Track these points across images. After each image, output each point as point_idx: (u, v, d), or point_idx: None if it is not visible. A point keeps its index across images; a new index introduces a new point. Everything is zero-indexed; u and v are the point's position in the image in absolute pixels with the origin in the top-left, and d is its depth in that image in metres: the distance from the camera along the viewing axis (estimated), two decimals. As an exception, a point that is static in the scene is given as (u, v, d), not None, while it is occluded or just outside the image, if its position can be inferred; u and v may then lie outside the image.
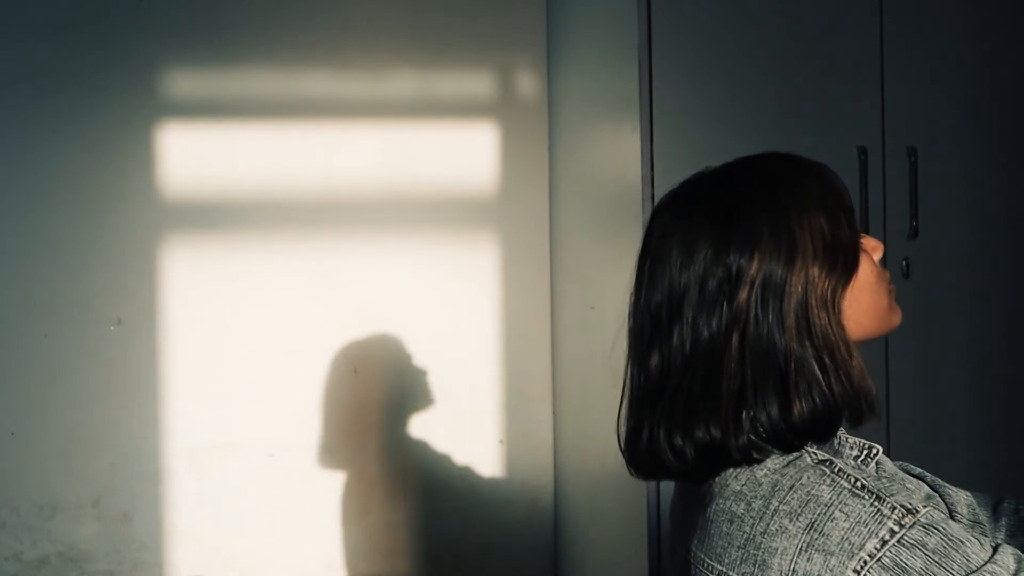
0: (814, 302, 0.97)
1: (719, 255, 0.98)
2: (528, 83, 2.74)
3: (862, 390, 0.99)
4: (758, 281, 0.97)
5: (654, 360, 1.01)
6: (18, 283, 2.49)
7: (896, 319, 1.06)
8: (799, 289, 0.97)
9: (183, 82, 2.58)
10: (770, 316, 0.97)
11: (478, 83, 2.72)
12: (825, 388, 0.97)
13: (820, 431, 0.98)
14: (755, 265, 0.97)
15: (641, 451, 1.02)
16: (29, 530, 2.50)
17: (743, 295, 0.97)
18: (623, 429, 1.06)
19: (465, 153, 2.70)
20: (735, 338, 0.97)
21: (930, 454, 2.15)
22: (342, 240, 2.64)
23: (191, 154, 2.56)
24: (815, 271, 0.98)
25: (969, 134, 2.25)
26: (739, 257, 0.97)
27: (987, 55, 2.26)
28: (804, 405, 0.96)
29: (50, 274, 2.50)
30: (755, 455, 0.97)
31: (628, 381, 1.05)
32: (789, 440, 0.97)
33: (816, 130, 2.11)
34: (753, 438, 0.96)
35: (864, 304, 1.02)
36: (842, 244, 1.00)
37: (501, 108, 2.72)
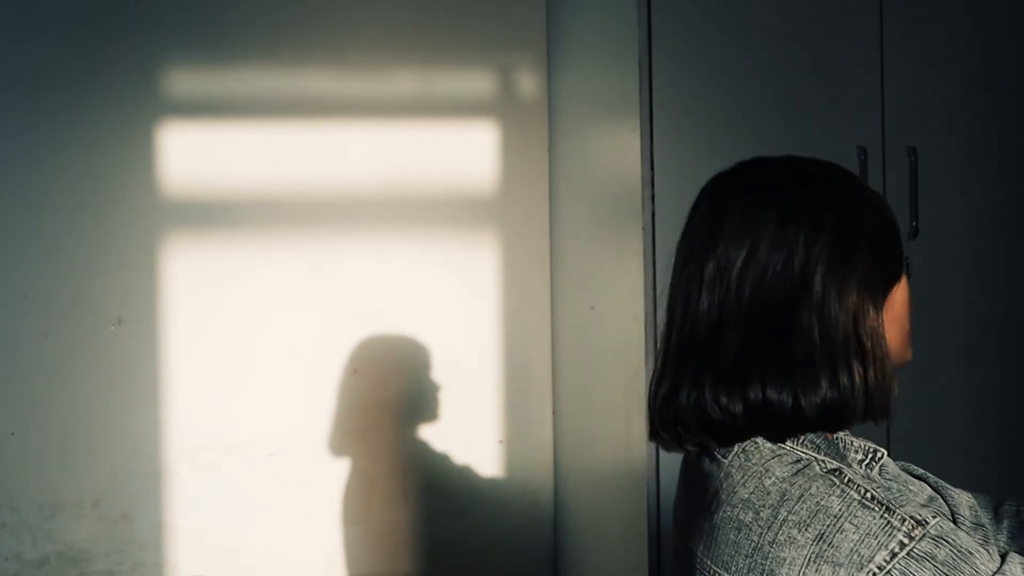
0: (866, 296, 0.99)
1: (786, 230, 0.98)
2: (528, 83, 2.74)
3: (890, 390, 1.00)
4: (823, 260, 0.98)
5: (703, 306, 1.00)
6: (18, 283, 2.49)
7: (908, 356, 1.07)
8: (854, 281, 0.99)
9: (183, 81, 2.58)
10: (833, 294, 0.98)
11: (478, 83, 2.72)
12: (860, 377, 0.97)
13: (840, 418, 0.98)
14: (819, 245, 0.98)
15: (681, 411, 1.01)
16: (29, 530, 2.50)
17: (810, 269, 0.98)
18: (660, 391, 1.04)
19: (465, 153, 2.70)
20: (806, 309, 0.97)
21: (930, 454, 2.14)
22: (342, 239, 2.64)
23: (191, 154, 2.56)
24: (867, 268, 0.99)
25: (969, 134, 2.25)
26: (805, 233, 0.98)
27: (987, 55, 2.26)
28: (840, 387, 0.97)
29: (50, 274, 2.50)
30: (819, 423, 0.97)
31: (672, 336, 1.04)
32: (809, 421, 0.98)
33: (816, 130, 2.11)
34: (831, 396, 0.97)
35: (891, 332, 1.03)
36: (892, 250, 1.02)
37: (501, 108, 2.72)
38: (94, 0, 2.51)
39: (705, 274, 1.00)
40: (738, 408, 0.98)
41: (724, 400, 0.98)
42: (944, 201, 2.22)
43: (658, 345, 1.07)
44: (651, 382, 1.06)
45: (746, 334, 0.98)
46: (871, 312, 0.99)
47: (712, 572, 0.98)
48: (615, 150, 2.20)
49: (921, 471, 1.16)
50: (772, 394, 0.96)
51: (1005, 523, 1.17)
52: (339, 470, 2.64)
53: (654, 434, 1.06)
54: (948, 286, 2.23)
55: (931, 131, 2.21)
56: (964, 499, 1.16)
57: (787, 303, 0.97)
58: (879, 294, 1.00)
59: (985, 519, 1.17)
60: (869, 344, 0.98)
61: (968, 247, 2.26)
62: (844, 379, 0.97)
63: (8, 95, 2.48)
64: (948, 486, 1.16)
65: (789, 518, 0.93)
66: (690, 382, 1.00)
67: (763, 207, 1.00)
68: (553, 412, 2.75)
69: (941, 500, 1.13)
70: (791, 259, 0.98)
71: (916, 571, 0.89)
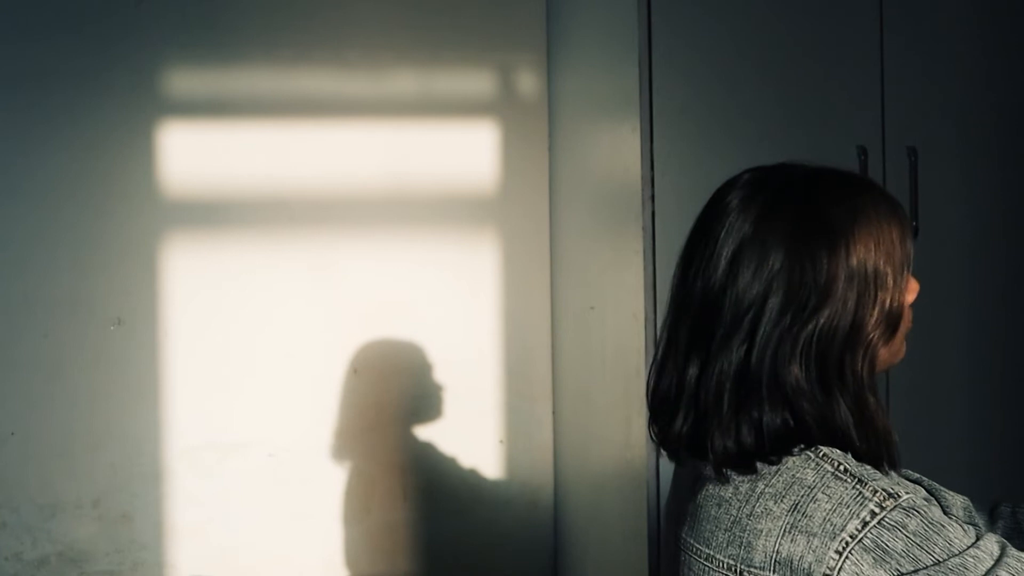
0: (856, 348, 0.99)
1: (800, 283, 0.97)
2: (528, 83, 2.74)
3: (887, 439, 1.00)
4: (826, 319, 0.97)
5: (694, 367, 1.00)
6: (18, 283, 2.49)
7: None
8: (844, 330, 0.98)
9: (183, 81, 2.58)
10: (850, 358, 0.99)
11: (478, 82, 2.72)
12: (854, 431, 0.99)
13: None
14: (827, 306, 0.97)
15: (683, 444, 1.02)
16: (29, 530, 2.50)
17: (813, 324, 0.97)
18: (660, 416, 1.04)
19: (465, 152, 2.70)
20: (800, 358, 0.97)
21: (930, 454, 2.14)
22: (342, 239, 2.64)
23: (191, 153, 2.56)
24: (872, 323, 0.99)
25: (969, 134, 2.25)
26: (815, 297, 0.97)
27: (987, 55, 2.26)
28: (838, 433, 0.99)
29: (50, 274, 2.50)
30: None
31: (678, 380, 1.03)
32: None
33: (816, 130, 2.12)
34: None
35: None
36: (895, 309, 1.01)
37: (501, 107, 2.72)
38: (94, 0, 2.51)
39: (711, 324, 0.99)
40: (742, 443, 0.98)
41: (727, 443, 0.98)
42: (944, 201, 2.22)
43: (655, 352, 1.07)
44: (649, 393, 1.06)
45: (741, 385, 0.98)
46: (858, 366, 1.00)
47: (694, 549, 1.00)
48: (615, 150, 2.20)
49: (917, 475, 1.16)
50: (772, 428, 0.97)
51: (1000, 524, 1.17)
52: (339, 470, 2.65)
53: (660, 446, 1.07)
54: (948, 286, 2.23)
55: (931, 131, 2.21)
56: (959, 501, 1.16)
57: (789, 358, 0.97)
58: (876, 346, 1.00)
59: (980, 520, 1.17)
60: (869, 395, 1.00)
61: (968, 247, 2.26)
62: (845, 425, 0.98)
63: (8, 95, 2.48)
64: (944, 489, 1.16)
65: (766, 490, 0.95)
66: (694, 420, 1.00)
67: (771, 260, 0.98)
68: (553, 412, 2.75)
69: (936, 501, 1.13)
70: (801, 321, 0.97)
71: (888, 540, 0.90)
